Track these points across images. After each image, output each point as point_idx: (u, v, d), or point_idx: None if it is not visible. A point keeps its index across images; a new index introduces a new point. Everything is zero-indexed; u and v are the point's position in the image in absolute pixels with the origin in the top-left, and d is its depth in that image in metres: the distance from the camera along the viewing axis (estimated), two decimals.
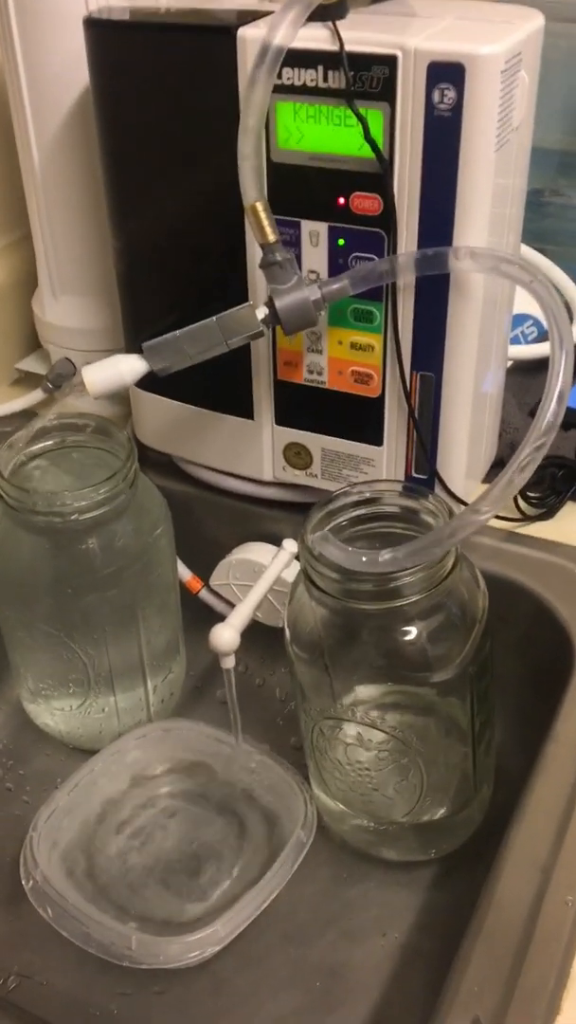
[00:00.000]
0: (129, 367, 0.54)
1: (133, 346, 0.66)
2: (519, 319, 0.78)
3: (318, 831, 0.57)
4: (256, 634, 0.62)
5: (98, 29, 0.56)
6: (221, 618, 0.58)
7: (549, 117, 0.87)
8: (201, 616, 0.67)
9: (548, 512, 0.64)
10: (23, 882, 0.54)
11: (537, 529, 0.64)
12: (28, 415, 0.77)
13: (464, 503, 0.61)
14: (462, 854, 0.58)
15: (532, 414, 0.73)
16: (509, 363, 0.74)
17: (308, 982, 0.54)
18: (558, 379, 0.46)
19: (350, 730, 0.54)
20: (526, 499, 0.65)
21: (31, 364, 0.81)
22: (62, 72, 0.64)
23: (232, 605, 0.67)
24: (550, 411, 0.45)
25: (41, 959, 0.56)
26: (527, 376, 0.76)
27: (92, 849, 0.60)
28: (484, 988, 0.40)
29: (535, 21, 0.53)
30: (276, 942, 0.56)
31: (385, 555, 0.48)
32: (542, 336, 0.80)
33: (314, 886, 0.58)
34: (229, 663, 0.57)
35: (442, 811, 0.56)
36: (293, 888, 0.55)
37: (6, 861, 0.60)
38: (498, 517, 0.64)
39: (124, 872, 0.59)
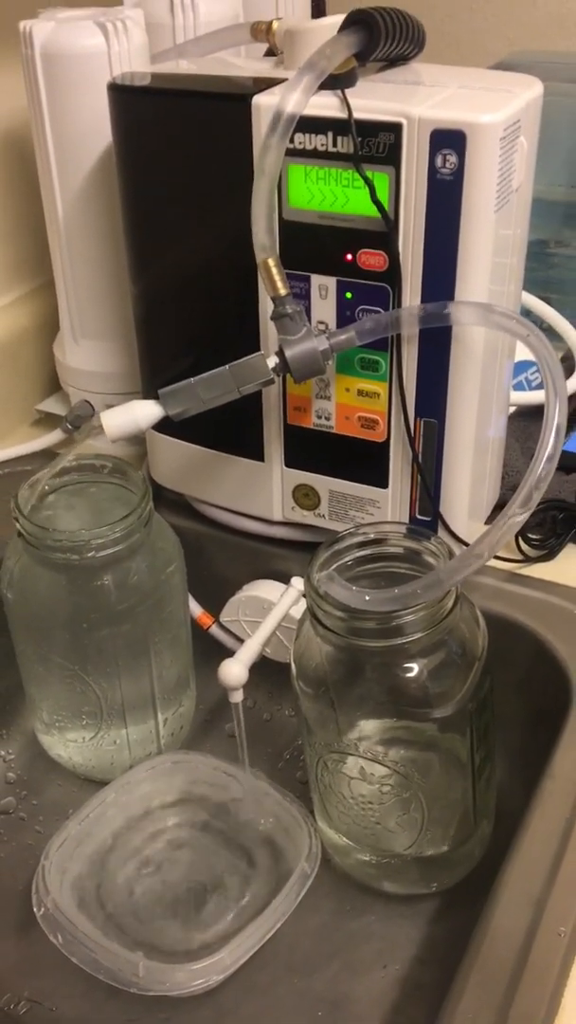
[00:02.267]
0: (145, 412, 0.56)
1: (149, 389, 0.68)
2: (523, 365, 0.80)
3: (322, 864, 0.58)
4: (265, 670, 0.64)
5: (121, 94, 0.59)
6: (231, 654, 0.60)
7: (555, 170, 0.91)
8: (212, 651, 0.69)
9: (549, 554, 0.66)
10: (35, 909, 0.56)
11: (538, 570, 0.66)
12: (48, 455, 0.79)
13: (466, 544, 0.63)
14: (463, 888, 0.60)
15: None
16: (512, 409, 0.76)
17: (311, 1012, 0.55)
18: (552, 432, 0.48)
19: (353, 764, 0.55)
20: (527, 541, 0.67)
21: (51, 405, 0.84)
22: (86, 131, 0.68)
23: (242, 641, 0.69)
24: (544, 459, 0.47)
25: (51, 985, 0.57)
26: (530, 421, 0.78)
27: (102, 878, 0.61)
28: (478, 1017, 0.42)
29: (534, 89, 0.56)
30: (280, 972, 0.57)
31: (386, 594, 0.50)
32: None
33: (318, 918, 0.60)
34: (237, 697, 0.59)
35: (443, 845, 0.58)
36: (297, 919, 0.56)
37: (19, 889, 0.62)
38: (500, 558, 0.66)
39: (133, 901, 0.61)
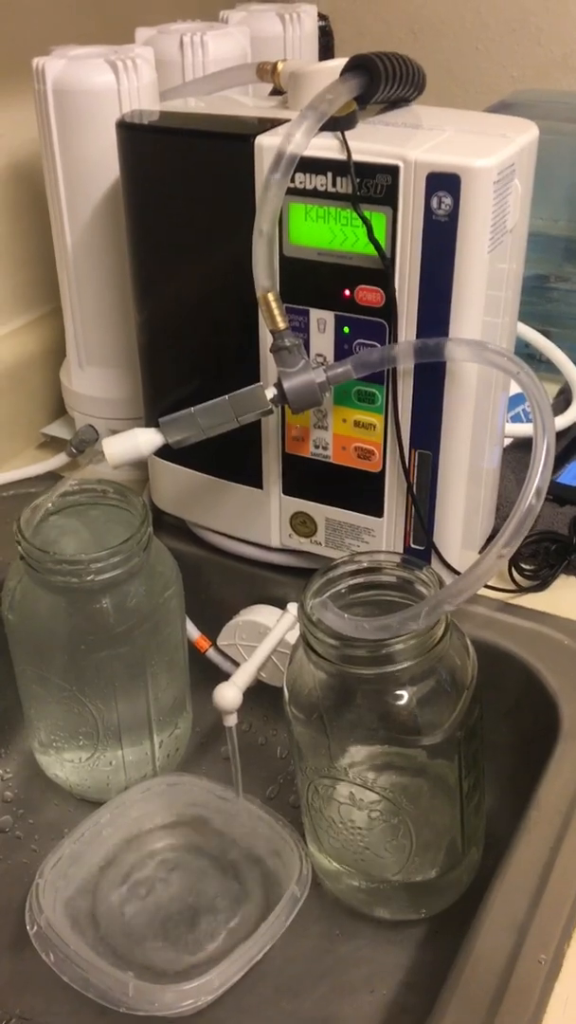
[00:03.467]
0: (146, 440, 0.58)
1: (151, 415, 0.70)
2: (520, 399, 0.82)
3: (312, 888, 0.59)
4: (260, 694, 0.65)
5: (130, 131, 0.61)
6: (227, 677, 0.61)
7: (555, 206, 0.93)
8: (208, 675, 0.70)
9: (541, 584, 0.67)
10: (28, 927, 0.57)
11: (530, 600, 0.67)
12: (52, 478, 0.81)
13: (459, 573, 0.64)
14: (451, 914, 0.60)
15: None
16: (508, 440, 0.78)
17: None
18: (539, 468, 0.49)
19: (344, 790, 0.56)
20: (520, 571, 0.68)
21: (56, 429, 0.86)
22: (95, 164, 0.69)
23: (238, 665, 0.70)
24: (531, 494, 0.49)
25: (42, 1003, 0.58)
26: (526, 452, 0.79)
27: (95, 898, 0.62)
28: None
29: (530, 133, 0.58)
30: (269, 994, 0.58)
31: (376, 623, 0.51)
32: None
33: (307, 941, 0.60)
34: (231, 721, 0.60)
35: (432, 871, 0.59)
36: (287, 942, 0.57)
37: (12, 907, 0.62)
38: (493, 588, 0.67)
39: (125, 921, 0.61)
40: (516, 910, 0.47)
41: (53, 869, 0.60)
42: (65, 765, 0.68)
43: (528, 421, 0.82)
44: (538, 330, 0.88)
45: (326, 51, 0.99)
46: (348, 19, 1.09)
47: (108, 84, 0.67)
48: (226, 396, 0.57)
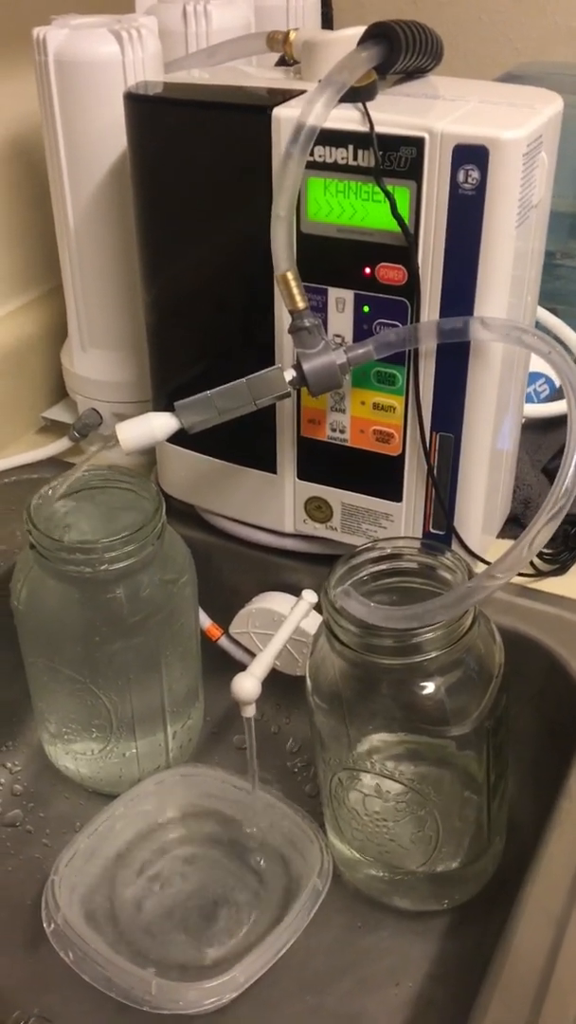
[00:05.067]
0: (161, 424, 0.56)
1: (160, 398, 0.68)
2: (531, 377, 0.80)
3: (332, 879, 0.58)
4: (274, 682, 0.63)
5: (139, 103, 0.59)
6: (239, 666, 0.60)
7: (562, 182, 0.91)
8: (218, 663, 0.68)
9: (561, 568, 0.66)
10: (44, 925, 0.55)
11: (550, 584, 0.66)
12: (54, 463, 0.79)
13: (480, 558, 0.63)
14: (475, 905, 0.59)
15: (545, 471, 0.75)
16: (523, 421, 0.76)
17: None
18: None
19: (368, 780, 0.55)
20: (540, 555, 0.66)
21: (57, 413, 0.83)
22: (99, 138, 0.67)
23: (251, 653, 0.68)
24: (568, 478, 0.47)
25: (61, 1002, 0.56)
26: (539, 433, 0.78)
27: (111, 893, 0.61)
28: None
29: (555, 105, 0.56)
30: (292, 989, 0.57)
31: (404, 612, 0.49)
32: (554, 394, 0.82)
33: (329, 934, 0.59)
34: (250, 712, 0.58)
35: (456, 862, 0.58)
36: (308, 935, 0.56)
37: (26, 904, 0.61)
38: None
39: (143, 916, 0.60)
40: (553, 904, 0.46)
41: (68, 865, 0.59)
42: (77, 757, 0.66)
43: (539, 401, 0.81)
44: (547, 308, 0.86)
45: (325, 21, 0.96)
46: None
47: (112, 55, 0.64)
48: (243, 379, 0.55)
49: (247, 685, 0.57)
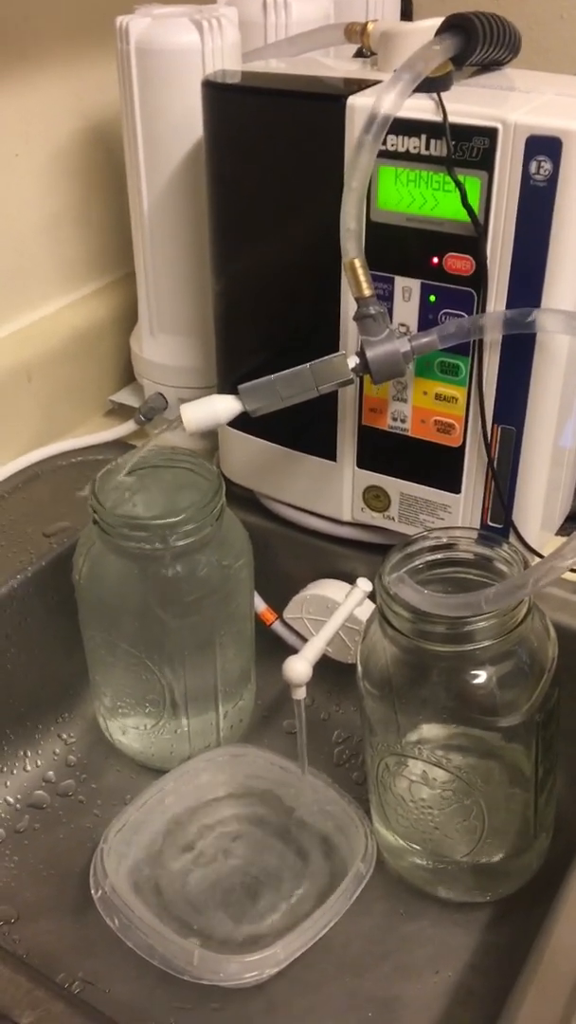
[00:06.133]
0: (225, 407, 0.57)
1: (225, 384, 0.69)
2: None
3: (376, 866, 0.58)
4: (325, 669, 0.64)
5: (216, 91, 0.60)
6: (291, 650, 0.61)
7: None
8: (270, 647, 0.69)
9: None
10: (92, 891, 0.57)
11: None
12: (120, 445, 0.80)
13: (537, 553, 0.62)
14: (517, 899, 0.59)
15: None
16: None
17: (361, 1012, 0.56)
18: None
19: (416, 767, 0.55)
20: None
21: (125, 397, 0.85)
22: (176, 126, 0.68)
23: (303, 638, 0.69)
24: None
25: (105, 967, 0.58)
26: None
27: (158, 865, 0.62)
28: None
29: None
30: (331, 970, 0.57)
31: (458, 600, 0.50)
32: None
33: (370, 919, 0.60)
34: (301, 694, 0.59)
35: (500, 854, 0.58)
36: (349, 920, 0.56)
37: (75, 871, 0.63)
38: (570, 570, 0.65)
39: (187, 890, 0.61)
40: None
41: (117, 835, 0.60)
42: (129, 731, 0.68)
43: None
44: None
45: (404, 14, 0.96)
46: None
47: (192, 44, 0.66)
48: (307, 364, 0.56)
49: (298, 667, 0.58)
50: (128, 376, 0.86)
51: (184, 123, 0.68)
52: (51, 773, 0.70)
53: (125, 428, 0.81)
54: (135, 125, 0.69)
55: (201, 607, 0.61)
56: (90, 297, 0.85)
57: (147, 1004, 0.56)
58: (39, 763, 0.70)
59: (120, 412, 0.85)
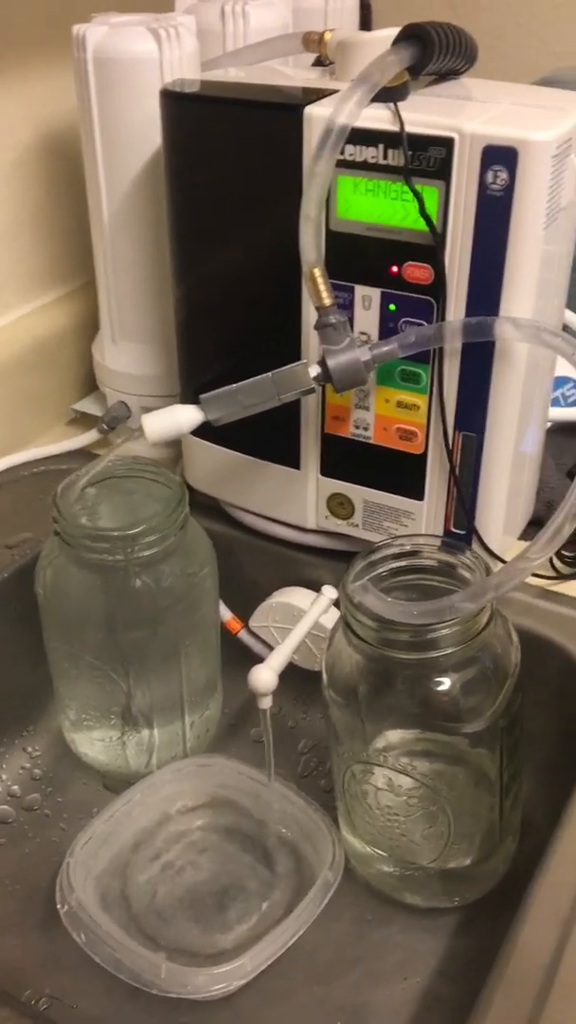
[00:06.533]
0: (186, 416, 0.57)
1: (188, 390, 0.69)
2: (559, 381, 0.80)
3: (343, 873, 0.58)
4: (292, 676, 0.64)
5: (174, 100, 0.60)
6: (258, 659, 0.60)
7: None
8: (236, 656, 0.69)
9: None
10: (58, 906, 0.56)
11: (570, 587, 0.66)
12: (83, 454, 0.80)
13: (500, 558, 0.63)
14: (485, 903, 0.60)
15: (570, 475, 0.75)
16: (548, 424, 0.76)
17: (330, 1020, 0.55)
18: None
19: (381, 775, 0.55)
20: (561, 557, 0.66)
21: (87, 405, 0.85)
22: (135, 134, 0.68)
23: (269, 647, 0.69)
24: None
25: (72, 982, 0.57)
26: (565, 437, 0.78)
27: (125, 878, 0.61)
28: None
29: None
30: (300, 980, 0.57)
31: (421, 607, 0.50)
32: None
33: (338, 927, 0.60)
34: (266, 704, 0.59)
35: (467, 859, 0.58)
36: (318, 928, 0.56)
37: (42, 886, 0.62)
38: (532, 575, 0.66)
39: (155, 902, 0.61)
40: (560, 904, 0.46)
41: (83, 848, 0.60)
42: (95, 744, 0.67)
43: (567, 405, 0.81)
44: (573, 310, 0.86)
45: (364, 24, 0.97)
46: None
47: (150, 53, 0.65)
48: (269, 373, 0.56)
49: (264, 676, 0.58)
50: (90, 385, 0.85)
51: (143, 132, 0.67)
52: (16, 787, 0.69)
53: (88, 437, 0.80)
54: (94, 134, 0.69)
55: (165, 617, 0.61)
56: (51, 305, 0.84)
57: (115, 1019, 0.56)
58: (3, 777, 0.69)
59: (83, 421, 0.84)
